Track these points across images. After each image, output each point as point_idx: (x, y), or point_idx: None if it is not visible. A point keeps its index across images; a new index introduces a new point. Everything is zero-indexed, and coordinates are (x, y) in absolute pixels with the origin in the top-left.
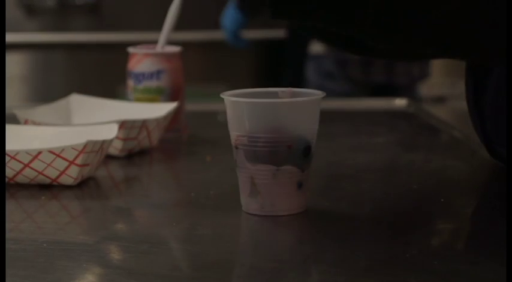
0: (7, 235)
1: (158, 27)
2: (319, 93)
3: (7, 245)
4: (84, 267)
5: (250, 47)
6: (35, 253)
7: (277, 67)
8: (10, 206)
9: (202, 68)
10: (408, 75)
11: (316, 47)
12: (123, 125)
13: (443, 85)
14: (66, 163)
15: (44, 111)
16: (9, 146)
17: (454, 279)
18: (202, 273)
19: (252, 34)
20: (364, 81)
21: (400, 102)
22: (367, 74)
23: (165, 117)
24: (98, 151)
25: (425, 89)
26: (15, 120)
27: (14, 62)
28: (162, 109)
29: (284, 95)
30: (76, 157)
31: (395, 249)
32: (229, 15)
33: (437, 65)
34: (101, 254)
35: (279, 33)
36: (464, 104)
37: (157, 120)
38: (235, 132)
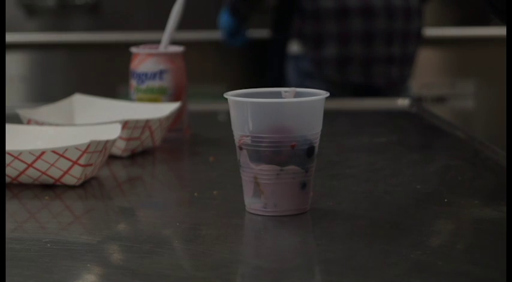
0: (11, 235)
1: (158, 27)
2: (323, 93)
3: (11, 245)
4: (88, 267)
5: (246, 44)
6: (39, 253)
7: (259, 67)
8: (13, 206)
9: (201, 68)
10: (386, 76)
11: (294, 47)
12: (126, 125)
13: (443, 85)
14: (70, 163)
15: (47, 111)
16: (13, 146)
17: (458, 279)
18: (206, 273)
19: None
20: (341, 81)
21: (402, 102)
22: (343, 74)
23: (168, 117)
24: (101, 151)
25: (426, 89)
26: (18, 120)
27: (14, 62)
28: (165, 109)
29: (288, 95)
30: (79, 157)
31: (399, 250)
32: (224, 18)
33: (437, 65)
34: (104, 254)
35: (262, 33)
36: (464, 104)
37: (160, 120)
38: (239, 132)
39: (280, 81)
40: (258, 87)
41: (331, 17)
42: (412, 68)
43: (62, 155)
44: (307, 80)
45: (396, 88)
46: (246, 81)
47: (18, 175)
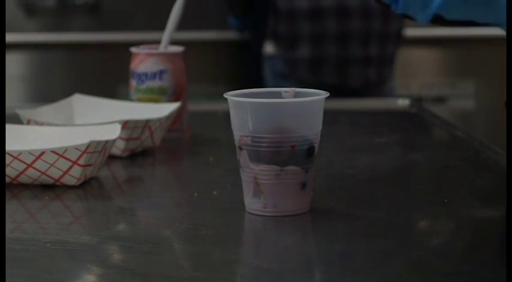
0: (10, 235)
1: (158, 27)
2: (323, 93)
3: (10, 245)
4: (88, 267)
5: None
6: (39, 253)
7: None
8: (13, 206)
9: (200, 68)
10: (363, 78)
11: (269, 48)
12: (126, 125)
13: (443, 85)
14: (69, 163)
15: (46, 111)
16: (12, 146)
17: (458, 279)
18: (206, 274)
19: (223, 35)
20: (315, 82)
21: (402, 102)
22: (317, 74)
23: (167, 117)
24: (101, 151)
25: (426, 89)
26: (18, 120)
27: (14, 62)
28: (165, 109)
29: (288, 95)
30: (79, 157)
31: (399, 250)
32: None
33: (437, 65)
34: (103, 254)
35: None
36: (464, 104)
37: (160, 120)
38: (239, 132)
39: (257, 82)
40: (252, 87)
41: (305, 17)
42: (392, 69)
43: (61, 155)
44: (281, 81)
45: (375, 90)
46: (246, 81)
47: (18, 175)
